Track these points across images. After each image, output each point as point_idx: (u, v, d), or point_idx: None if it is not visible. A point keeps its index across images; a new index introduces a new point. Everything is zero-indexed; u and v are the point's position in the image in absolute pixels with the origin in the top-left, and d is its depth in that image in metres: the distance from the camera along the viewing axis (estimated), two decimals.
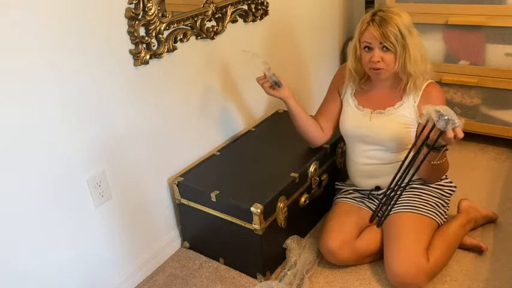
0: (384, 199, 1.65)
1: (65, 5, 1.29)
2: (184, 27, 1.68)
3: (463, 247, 1.73)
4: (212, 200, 1.66)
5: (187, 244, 1.88)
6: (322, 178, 1.89)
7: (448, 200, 1.75)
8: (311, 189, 1.85)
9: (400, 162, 1.60)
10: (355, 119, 1.73)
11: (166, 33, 1.60)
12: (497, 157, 2.32)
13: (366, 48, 1.58)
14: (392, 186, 1.62)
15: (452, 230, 1.68)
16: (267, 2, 2.07)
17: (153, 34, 1.55)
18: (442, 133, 1.40)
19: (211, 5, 1.77)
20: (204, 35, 1.78)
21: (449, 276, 1.64)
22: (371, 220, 1.63)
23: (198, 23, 1.74)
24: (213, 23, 1.82)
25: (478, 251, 1.72)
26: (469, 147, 2.42)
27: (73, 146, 1.41)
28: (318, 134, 1.82)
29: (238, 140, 2.03)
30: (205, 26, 1.78)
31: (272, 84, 1.70)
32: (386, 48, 1.54)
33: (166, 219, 1.83)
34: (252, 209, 1.57)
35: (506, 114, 2.30)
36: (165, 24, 1.57)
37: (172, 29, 1.63)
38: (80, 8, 1.33)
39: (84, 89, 1.40)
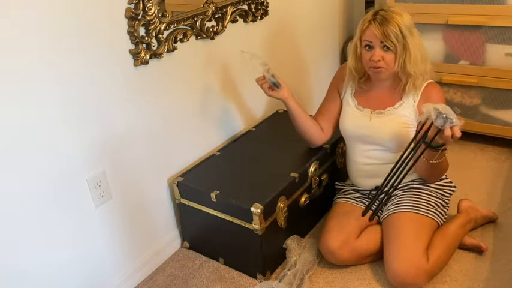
0: (378, 193, 1.62)
1: (65, 5, 1.29)
2: (184, 27, 1.68)
3: (463, 247, 1.73)
4: (212, 200, 1.66)
5: (187, 244, 1.88)
6: (322, 178, 1.89)
7: (448, 200, 1.75)
8: (311, 189, 1.85)
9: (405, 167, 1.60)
10: (355, 119, 1.73)
11: (166, 33, 1.60)
12: (497, 157, 2.32)
13: (367, 47, 1.58)
14: (386, 181, 1.59)
15: (452, 230, 1.68)
16: (267, 2, 2.07)
17: (153, 34, 1.55)
18: (439, 131, 1.40)
19: (211, 5, 1.77)
20: (204, 35, 1.78)
21: (449, 276, 1.64)
22: (363, 214, 1.61)
23: (198, 23, 1.74)
24: (213, 23, 1.82)
25: (478, 251, 1.72)
26: (469, 147, 2.42)
27: (73, 146, 1.41)
28: (318, 134, 1.82)
29: (238, 140, 2.03)
30: (205, 26, 1.78)
31: (271, 85, 1.70)
32: (387, 47, 1.54)
33: (166, 219, 1.83)
34: (252, 209, 1.57)
35: (506, 114, 2.30)
36: (165, 24, 1.57)
37: (172, 29, 1.63)
38: (80, 8, 1.33)
39: (84, 89, 1.40)
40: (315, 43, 2.59)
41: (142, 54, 1.53)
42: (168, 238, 1.84)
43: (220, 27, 1.84)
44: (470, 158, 2.34)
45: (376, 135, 1.68)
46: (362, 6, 2.89)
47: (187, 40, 1.70)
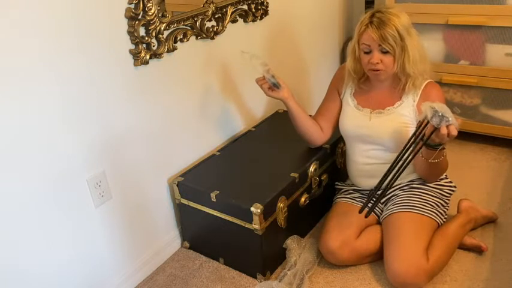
0: (375, 190, 1.61)
1: (65, 5, 1.29)
2: (184, 27, 1.68)
3: (463, 247, 1.73)
4: (212, 200, 1.66)
5: (187, 244, 1.88)
6: (322, 178, 1.89)
7: (448, 199, 1.75)
8: (311, 189, 1.85)
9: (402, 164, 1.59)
10: (355, 119, 1.73)
11: (166, 33, 1.60)
12: (497, 157, 2.32)
13: (365, 50, 1.58)
14: (383, 179, 1.58)
15: (452, 230, 1.68)
16: (267, 2, 2.07)
17: (153, 34, 1.55)
18: (436, 129, 1.40)
19: (211, 5, 1.77)
20: (204, 35, 1.78)
21: (449, 276, 1.64)
22: (360, 211, 1.61)
23: (198, 23, 1.74)
24: (213, 23, 1.82)
25: (478, 251, 1.72)
26: (469, 147, 2.42)
27: (73, 146, 1.41)
28: (318, 134, 1.82)
29: (238, 140, 2.03)
30: (205, 26, 1.78)
31: (271, 86, 1.70)
32: (385, 50, 1.54)
33: (166, 219, 1.83)
34: (252, 209, 1.57)
35: (506, 114, 2.30)
36: (165, 24, 1.57)
37: (172, 29, 1.63)
38: (80, 8, 1.33)
39: (84, 89, 1.40)
40: (315, 43, 2.59)
41: (142, 54, 1.53)
42: (168, 238, 1.84)
43: (220, 27, 1.84)
44: (470, 157, 2.34)
45: (375, 134, 1.68)
46: (362, 6, 2.89)
47: (187, 40, 1.70)
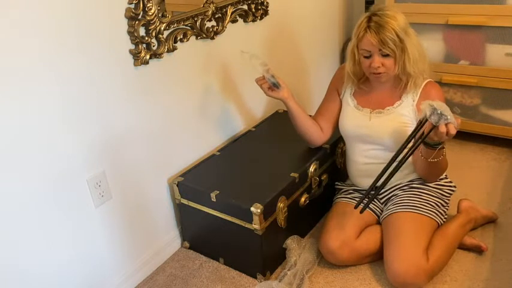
0: (371, 187, 1.61)
1: (65, 5, 1.29)
2: (184, 27, 1.68)
3: (463, 247, 1.73)
4: (212, 200, 1.66)
5: (187, 244, 1.88)
6: (322, 178, 1.89)
7: (448, 199, 1.75)
8: (311, 189, 1.85)
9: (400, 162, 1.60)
10: (355, 119, 1.73)
11: (166, 33, 1.61)
12: (497, 157, 2.32)
13: (365, 55, 1.58)
14: (380, 176, 1.57)
15: (452, 230, 1.68)
16: (267, 2, 2.07)
17: (153, 34, 1.55)
18: (434, 127, 1.40)
19: (211, 5, 1.77)
20: (204, 35, 1.78)
21: (449, 276, 1.64)
22: (356, 207, 1.61)
23: (198, 23, 1.74)
24: (213, 23, 1.82)
25: (478, 251, 1.72)
26: (469, 147, 2.42)
27: (73, 146, 1.41)
28: (318, 134, 1.82)
29: (238, 140, 2.03)
30: (205, 26, 1.78)
31: (271, 86, 1.70)
32: (386, 53, 1.54)
33: (166, 219, 1.83)
34: (252, 209, 1.57)
35: (506, 114, 2.30)
36: (165, 24, 1.57)
37: (172, 29, 1.63)
38: (80, 8, 1.33)
39: (84, 89, 1.40)
40: (315, 43, 2.59)
41: (142, 54, 1.53)
42: (168, 238, 1.85)
43: (220, 27, 1.84)
44: (470, 157, 2.34)
45: (375, 134, 1.68)
46: (362, 6, 2.90)
47: (187, 40, 1.70)
